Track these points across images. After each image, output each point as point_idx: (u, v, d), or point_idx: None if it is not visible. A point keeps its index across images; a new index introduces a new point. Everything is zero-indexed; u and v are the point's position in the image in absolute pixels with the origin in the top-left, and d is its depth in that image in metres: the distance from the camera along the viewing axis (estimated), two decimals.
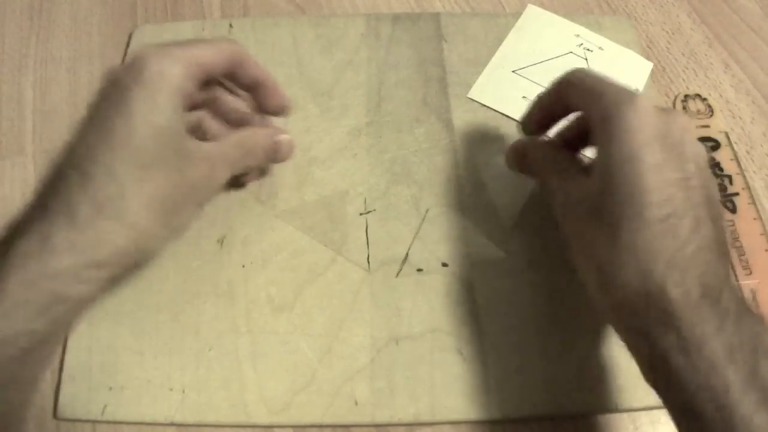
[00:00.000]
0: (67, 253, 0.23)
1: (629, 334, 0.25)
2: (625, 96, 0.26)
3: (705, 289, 0.23)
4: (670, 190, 0.24)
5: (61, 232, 0.23)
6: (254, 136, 0.32)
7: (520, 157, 0.34)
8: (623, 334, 0.25)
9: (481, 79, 0.40)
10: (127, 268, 0.26)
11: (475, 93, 0.39)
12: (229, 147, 0.30)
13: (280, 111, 0.33)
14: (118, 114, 0.25)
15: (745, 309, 0.23)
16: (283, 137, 0.33)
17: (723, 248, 0.24)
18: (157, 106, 0.26)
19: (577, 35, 0.42)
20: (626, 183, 0.24)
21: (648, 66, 0.41)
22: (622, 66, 0.40)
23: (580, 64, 0.40)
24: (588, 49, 0.41)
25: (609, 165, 0.25)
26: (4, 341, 0.21)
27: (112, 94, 0.26)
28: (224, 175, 0.30)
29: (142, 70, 0.26)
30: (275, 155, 0.33)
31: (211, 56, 0.29)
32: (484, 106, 0.39)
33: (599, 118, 0.27)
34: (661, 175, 0.24)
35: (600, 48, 0.41)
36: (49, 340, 0.24)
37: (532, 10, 0.43)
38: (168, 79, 0.26)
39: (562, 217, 0.29)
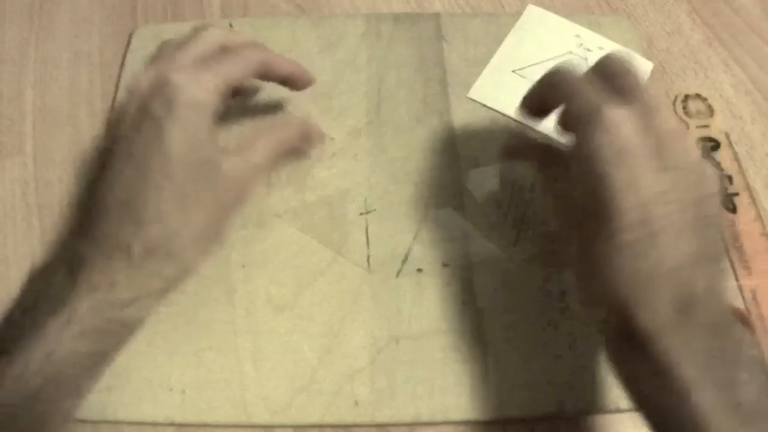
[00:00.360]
0: (127, 287, 0.26)
1: (606, 343, 0.25)
2: (593, 106, 0.24)
3: (677, 308, 0.22)
4: (644, 209, 0.22)
5: (121, 270, 0.26)
6: (285, 131, 0.32)
7: (513, 154, 0.34)
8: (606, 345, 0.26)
9: (481, 79, 0.40)
10: (173, 290, 0.28)
11: (475, 93, 0.39)
12: (258, 155, 0.30)
13: (308, 86, 0.34)
14: (156, 152, 0.26)
15: (725, 319, 0.22)
16: (311, 125, 0.34)
17: (713, 252, 0.23)
18: (192, 141, 0.27)
19: (577, 35, 0.42)
20: (597, 205, 0.23)
21: (648, 66, 0.41)
22: None
23: (580, 64, 0.40)
24: (588, 49, 0.41)
25: (581, 183, 0.25)
26: (75, 361, 0.24)
27: (146, 129, 0.27)
28: (255, 185, 0.31)
29: (173, 101, 0.26)
30: (306, 143, 0.34)
31: (239, 73, 0.29)
32: (484, 106, 0.39)
33: (573, 124, 0.26)
34: (632, 196, 0.22)
35: (600, 48, 0.41)
36: (107, 357, 0.27)
37: (532, 10, 0.43)
38: (201, 108, 0.27)
39: (555, 213, 0.30)
